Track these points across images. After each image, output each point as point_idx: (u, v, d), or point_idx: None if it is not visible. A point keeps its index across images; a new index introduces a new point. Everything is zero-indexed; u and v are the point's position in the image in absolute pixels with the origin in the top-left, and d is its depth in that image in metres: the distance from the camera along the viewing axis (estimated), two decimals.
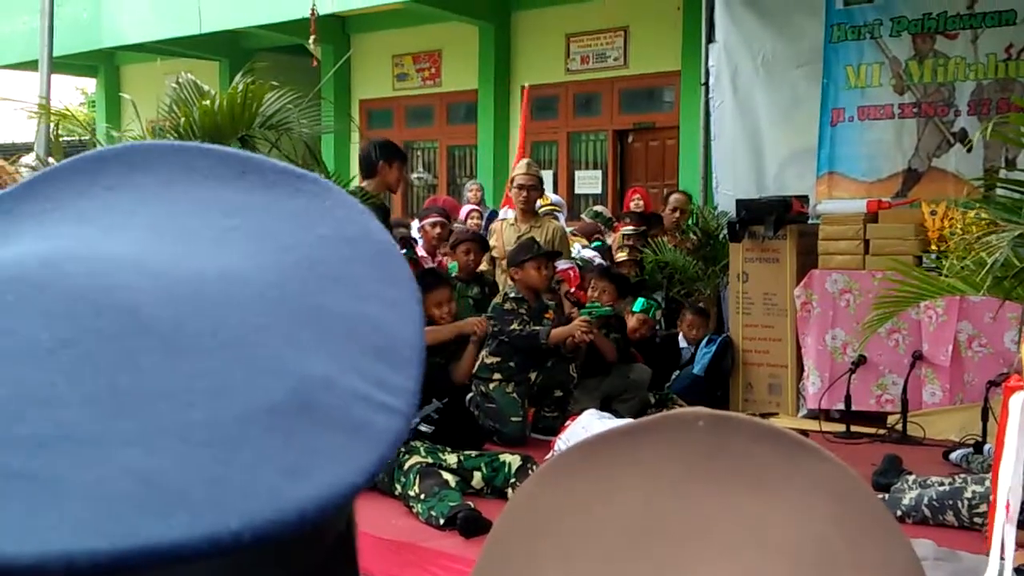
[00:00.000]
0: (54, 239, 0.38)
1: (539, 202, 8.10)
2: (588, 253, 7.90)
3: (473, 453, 4.89)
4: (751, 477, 0.47)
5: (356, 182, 6.20)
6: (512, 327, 5.84)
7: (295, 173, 0.42)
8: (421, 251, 7.51)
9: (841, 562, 0.45)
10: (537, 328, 5.87)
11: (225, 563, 0.30)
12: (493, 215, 9.22)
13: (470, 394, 5.92)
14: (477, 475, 4.74)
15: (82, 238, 0.38)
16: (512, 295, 5.99)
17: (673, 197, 8.50)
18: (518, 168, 7.11)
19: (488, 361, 5.92)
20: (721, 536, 0.45)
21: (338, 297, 0.37)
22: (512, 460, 4.77)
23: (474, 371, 5.89)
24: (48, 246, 0.37)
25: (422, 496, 4.45)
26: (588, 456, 0.49)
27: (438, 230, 7.65)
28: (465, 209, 9.62)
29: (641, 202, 9.30)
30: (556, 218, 8.11)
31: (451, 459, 4.77)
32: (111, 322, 0.32)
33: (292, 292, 0.36)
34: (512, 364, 5.89)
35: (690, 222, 8.02)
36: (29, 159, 6.95)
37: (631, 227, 7.81)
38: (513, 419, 5.78)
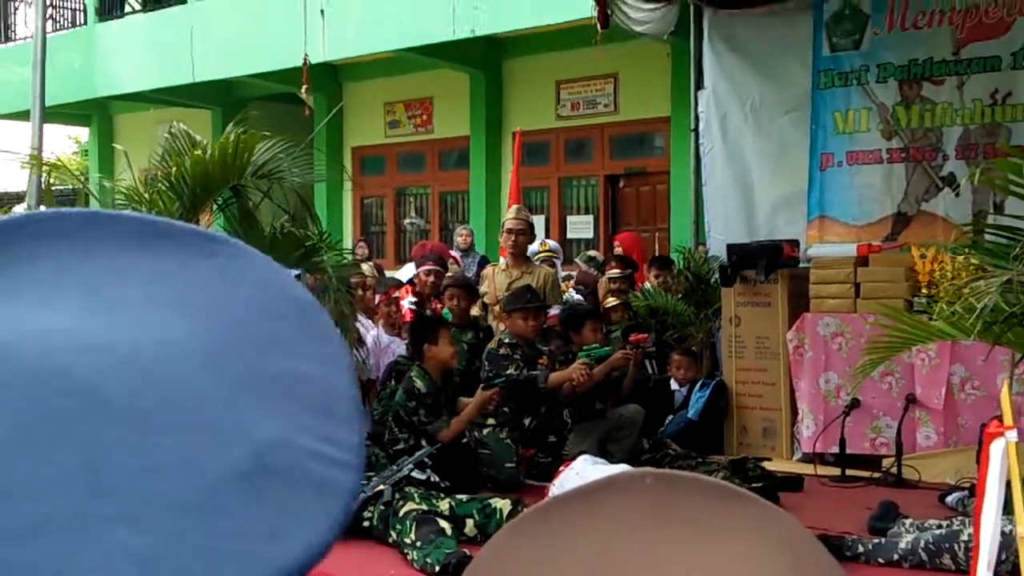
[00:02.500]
0: None
1: (537, 247, 8.12)
2: (578, 297, 7.93)
3: (464, 498, 4.88)
4: (698, 524, 0.49)
5: (348, 232, 6.21)
6: (509, 371, 5.83)
7: (207, 235, 0.43)
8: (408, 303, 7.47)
9: None
10: (535, 372, 5.87)
11: None
12: (484, 261, 9.21)
13: (464, 439, 5.89)
14: (469, 522, 4.73)
15: (14, 314, 0.37)
16: (507, 340, 5.99)
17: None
18: (508, 213, 7.14)
19: None
20: None
21: (272, 358, 0.38)
22: (503, 506, 4.76)
23: None
24: None
25: (418, 543, 4.44)
26: (546, 517, 0.51)
27: (432, 278, 7.65)
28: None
29: (619, 248, 9.28)
30: (553, 264, 8.13)
31: (443, 505, 4.76)
32: (72, 402, 0.32)
33: (229, 357, 0.37)
34: (506, 409, 5.88)
35: (681, 266, 8.04)
36: (20, 209, 6.96)
37: (616, 270, 7.85)
38: (507, 465, 5.76)
